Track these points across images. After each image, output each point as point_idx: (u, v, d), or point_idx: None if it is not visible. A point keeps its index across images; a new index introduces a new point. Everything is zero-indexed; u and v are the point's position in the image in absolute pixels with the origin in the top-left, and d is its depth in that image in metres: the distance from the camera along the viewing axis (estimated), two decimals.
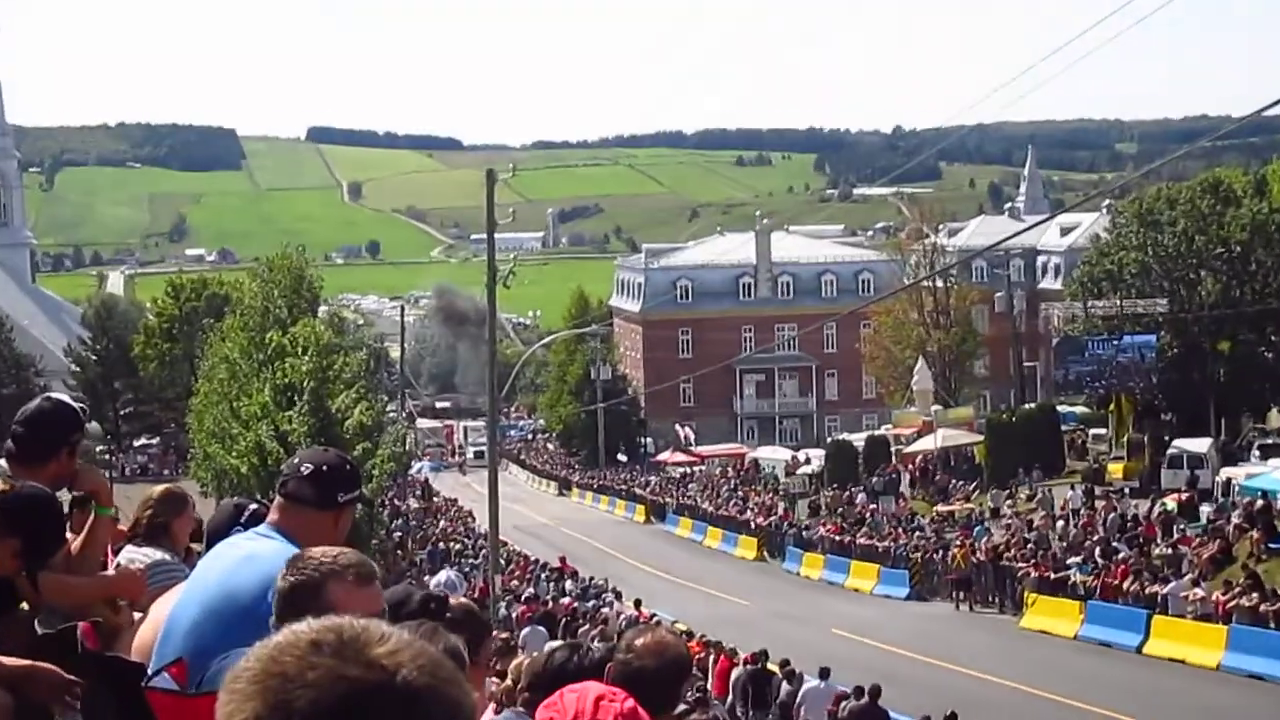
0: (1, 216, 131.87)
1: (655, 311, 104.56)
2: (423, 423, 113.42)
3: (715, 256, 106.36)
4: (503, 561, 43.38)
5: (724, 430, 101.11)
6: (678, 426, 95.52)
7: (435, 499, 78.51)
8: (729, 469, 78.94)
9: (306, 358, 39.04)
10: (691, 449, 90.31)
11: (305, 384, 38.88)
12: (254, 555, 4.11)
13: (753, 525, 58.81)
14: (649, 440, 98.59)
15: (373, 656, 1.72)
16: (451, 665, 1.77)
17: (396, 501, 67.33)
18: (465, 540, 55.96)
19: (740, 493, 67.91)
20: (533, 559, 48.51)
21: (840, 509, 57.73)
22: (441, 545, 53.62)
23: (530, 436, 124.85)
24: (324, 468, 4.34)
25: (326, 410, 39.12)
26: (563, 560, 46.75)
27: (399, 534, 56.61)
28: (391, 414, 69.50)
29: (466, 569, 43.99)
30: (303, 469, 4.33)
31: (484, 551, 47.07)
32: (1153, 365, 57.26)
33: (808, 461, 73.37)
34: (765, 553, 56.59)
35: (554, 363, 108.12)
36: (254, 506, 5.19)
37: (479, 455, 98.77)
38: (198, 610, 4.05)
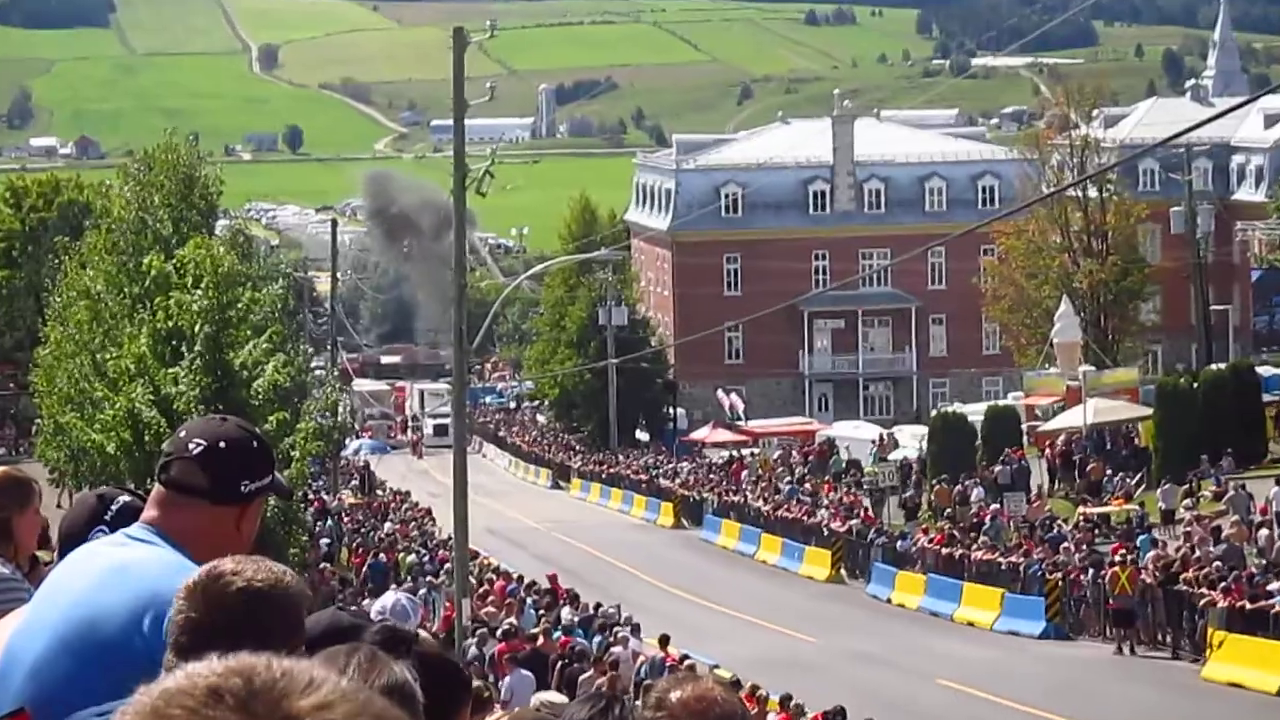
0: None
1: (691, 230, 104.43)
2: (362, 384, 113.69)
3: (776, 153, 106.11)
4: (473, 580, 43.47)
5: (786, 398, 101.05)
6: (721, 393, 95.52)
7: (379, 492, 78.67)
8: (792, 453, 78.98)
9: (199, 292, 39.04)
10: (740, 424, 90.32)
11: (197, 329, 38.90)
12: (125, 567, 4.09)
13: (825, 531, 58.88)
14: (680, 412, 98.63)
15: (292, 710, 1.68)
16: None
17: (324, 495, 67.39)
18: (420, 550, 56.13)
19: (808, 486, 67.99)
20: (515, 577, 48.65)
21: (949, 510, 57.63)
22: (386, 556, 53.80)
23: (514, 405, 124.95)
24: (221, 445, 4.32)
25: (226, 366, 39.14)
26: (554, 579, 46.90)
27: (327, 540, 56.76)
28: (318, 372, 69.51)
29: (422, 590, 44.15)
30: (192, 447, 4.31)
31: (447, 566, 47.11)
32: None
33: (895, 443, 73.07)
34: (843, 570, 56.70)
35: (547, 302, 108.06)
36: (124, 498, 5.18)
37: (441, 431, 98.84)
38: (46, 643, 4.03)
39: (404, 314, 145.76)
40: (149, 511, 4.37)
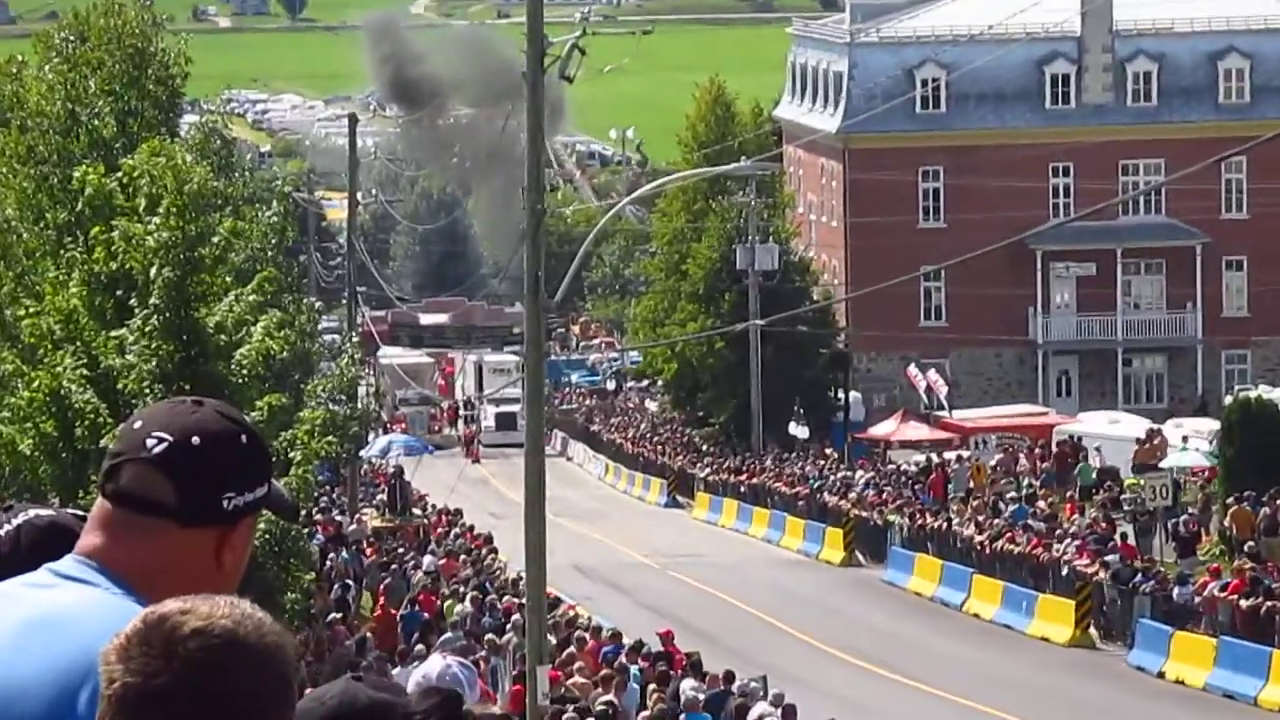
0: None
1: (872, 132, 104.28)
2: (393, 355, 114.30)
3: (996, 19, 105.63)
4: (552, 639, 43.61)
5: (1009, 378, 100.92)
6: (913, 369, 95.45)
7: (416, 511, 79.02)
8: (1019, 457, 78.77)
9: (156, 220, 39.29)
10: (942, 415, 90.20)
11: (154, 274, 39.14)
12: (52, 620, 4.10)
13: (1067, 573, 58.71)
14: (855, 397, 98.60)
15: None
16: None
17: (337, 516, 67.78)
18: (478, 594, 56.43)
19: (1042, 506, 67.76)
20: (613, 634, 48.82)
21: (1251, 543, 57.30)
22: (427, 605, 54.10)
23: (612, 386, 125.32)
24: (194, 441, 4.32)
25: (195, 327, 39.40)
26: (669, 638, 47.02)
27: (343, 584, 57.11)
28: (329, 337, 69.91)
29: (479, 653, 44.37)
30: (151, 444, 4.32)
31: (515, 619, 47.30)
32: None
33: (1170, 444, 72.80)
34: (1093, 629, 56.52)
35: (661, 236, 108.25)
36: (37, 513, 5.16)
37: (507, 423, 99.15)
38: None
39: (454, 253, 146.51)
40: (87, 538, 4.35)
